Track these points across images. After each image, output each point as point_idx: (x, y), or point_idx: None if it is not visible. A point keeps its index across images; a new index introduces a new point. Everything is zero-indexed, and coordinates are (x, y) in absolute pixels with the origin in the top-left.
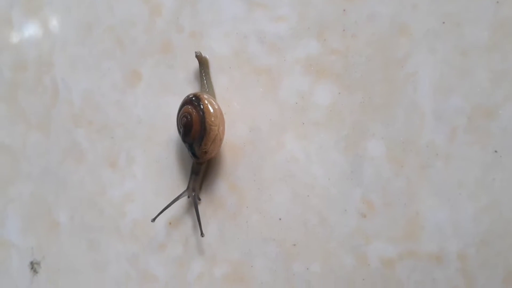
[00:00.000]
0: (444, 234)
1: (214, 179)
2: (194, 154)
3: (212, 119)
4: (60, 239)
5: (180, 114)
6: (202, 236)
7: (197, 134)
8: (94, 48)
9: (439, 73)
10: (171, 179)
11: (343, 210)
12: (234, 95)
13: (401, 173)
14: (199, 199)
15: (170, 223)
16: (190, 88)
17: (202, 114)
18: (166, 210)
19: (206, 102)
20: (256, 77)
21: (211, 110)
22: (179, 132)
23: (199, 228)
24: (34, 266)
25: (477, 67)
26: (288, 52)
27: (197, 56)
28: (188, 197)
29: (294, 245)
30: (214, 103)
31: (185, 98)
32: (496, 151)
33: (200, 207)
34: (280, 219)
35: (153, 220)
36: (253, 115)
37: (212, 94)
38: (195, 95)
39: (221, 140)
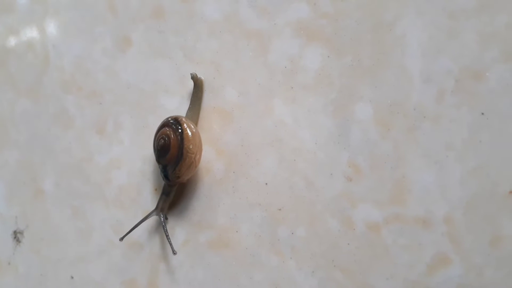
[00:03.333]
0: (431, 197)
1: (202, 145)
2: (166, 177)
3: (190, 147)
4: (44, 207)
5: (158, 135)
6: (175, 254)
7: (173, 158)
8: (86, 13)
9: (427, 36)
10: None
11: (329, 174)
12: (224, 59)
13: (388, 136)
14: (167, 218)
15: (155, 189)
16: (180, 53)
17: (180, 139)
18: (149, 178)
19: (185, 126)
20: (246, 41)
21: (190, 136)
22: (154, 152)
23: (169, 246)
24: (17, 236)
25: (465, 29)
26: (278, 16)
27: (192, 78)
28: (156, 215)
29: (280, 209)
30: (193, 129)
31: (164, 120)
32: (483, 113)
33: None
34: (266, 183)
35: (121, 239)
36: (242, 80)
37: (195, 119)
38: (175, 119)
39: (196, 167)
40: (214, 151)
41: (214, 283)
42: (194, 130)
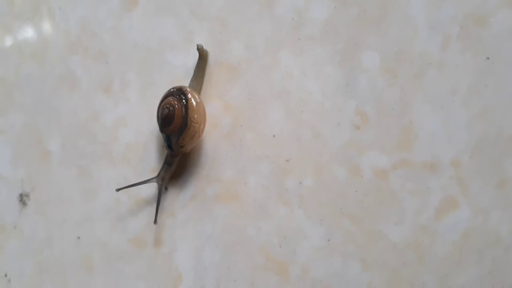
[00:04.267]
0: (437, 142)
1: (208, 100)
2: (169, 146)
3: (195, 116)
4: (50, 169)
5: (162, 104)
6: (155, 223)
7: (177, 127)
8: None
9: None
10: None
11: (336, 123)
12: (230, 13)
13: (395, 83)
14: (166, 189)
15: (163, 146)
16: (186, 9)
17: (185, 109)
18: (157, 135)
19: (189, 96)
20: None
21: (195, 106)
22: (158, 122)
23: (155, 213)
24: (23, 199)
25: None
26: None
27: (198, 49)
28: (156, 183)
29: (287, 160)
30: (198, 98)
31: (168, 90)
32: (488, 58)
33: None
34: (274, 136)
35: (118, 190)
36: (249, 33)
37: (198, 90)
38: (180, 89)
39: (199, 137)
40: (221, 106)
41: (222, 236)
42: (198, 100)
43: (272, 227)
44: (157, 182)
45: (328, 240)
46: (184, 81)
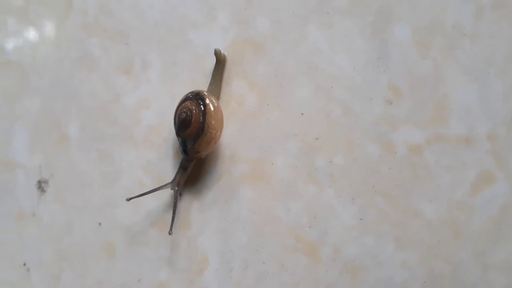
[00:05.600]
0: (473, 115)
1: (233, 79)
2: (185, 151)
3: (213, 122)
4: (69, 153)
5: (179, 108)
6: (170, 234)
7: (194, 133)
8: None
9: None
10: (188, 80)
11: (368, 99)
12: None
13: (428, 56)
14: (180, 195)
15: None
16: None
17: (203, 114)
18: None
19: (207, 101)
20: None
21: (212, 111)
22: (174, 126)
23: (170, 223)
24: (41, 185)
25: None
26: None
27: (215, 53)
28: (171, 189)
29: (317, 138)
30: (216, 104)
31: (186, 95)
32: None
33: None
34: (302, 113)
35: (128, 199)
36: (274, 8)
37: (217, 94)
38: (198, 94)
39: (215, 143)
40: (246, 85)
41: (249, 217)
42: (216, 105)
43: (302, 207)
44: (172, 188)
45: (361, 219)
46: (207, 61)
